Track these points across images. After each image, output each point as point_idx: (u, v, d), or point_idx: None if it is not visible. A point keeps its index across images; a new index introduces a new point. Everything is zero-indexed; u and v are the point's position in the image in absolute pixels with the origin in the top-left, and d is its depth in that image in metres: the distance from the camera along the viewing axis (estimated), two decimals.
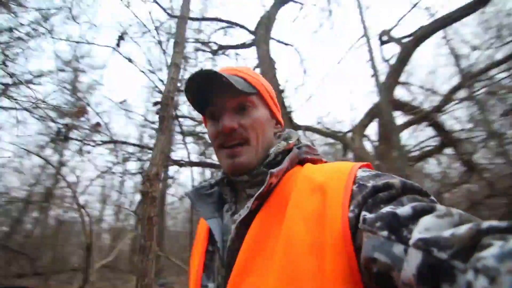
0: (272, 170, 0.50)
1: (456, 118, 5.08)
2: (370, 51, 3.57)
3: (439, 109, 4.60)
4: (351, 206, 0.40)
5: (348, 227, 0.39)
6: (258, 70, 4.07)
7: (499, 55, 4.00)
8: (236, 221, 0.50)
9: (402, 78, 4.11)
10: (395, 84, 3.42)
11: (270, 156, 0.56)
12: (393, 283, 0.33)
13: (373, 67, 3.45)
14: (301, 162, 0.57)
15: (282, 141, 0.59)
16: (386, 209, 0.37)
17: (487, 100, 4.94)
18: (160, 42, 4.62)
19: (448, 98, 4.39)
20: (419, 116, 4.40)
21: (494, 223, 0.28)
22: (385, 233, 0.34)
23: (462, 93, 4.57)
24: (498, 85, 4.54)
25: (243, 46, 5.76)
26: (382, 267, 0.33)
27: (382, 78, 3.87)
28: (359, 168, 0.47)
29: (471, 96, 4.64)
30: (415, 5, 4.35)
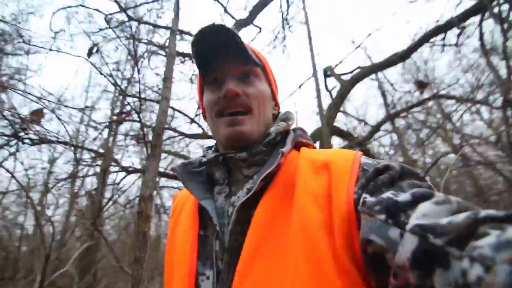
0: (283, 150, 0.49)
1: (382, 145, 6.02)
2: (316, 81, 4.04)
3: (369, 137, 5.33)
4: (356, 188, 0.41)
5: (353, 209, 0.39)
6: None
7: (415, 99, 4.89)
8: (236, 203, 0.49)
9: (341, 108, 4.72)
10: (335, 115, 3.93)
11: (270, 135, 0.54)
12: (386, 265, 0.33)
13: (318, 96, 3.92)
14: (296, 145, 0.56)
15: (281, 122, 0.57)
16: (387, 194, 0.37)
17: (405, 132, 5.99)
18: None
19: (376, 128, 5.14)
20: (353, 142, 5.03)
21: (492, 212, 0.28)
22: (382, 216, 0.35)
23: (387, 125, 5.44)
24: (414, 120, 5.58)
25: None
26: (377, 249, 0.34)
27: (326, 104, 4.45)
28: (362, 155, 0.48)
29: (394, 128, 5.61)
30: (357, 47, 5.04)
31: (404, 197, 0.35)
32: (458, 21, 3.29)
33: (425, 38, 3.72)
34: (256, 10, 5.18)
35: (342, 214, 0.39)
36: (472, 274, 0.25)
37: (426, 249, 0.29)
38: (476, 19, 3.59)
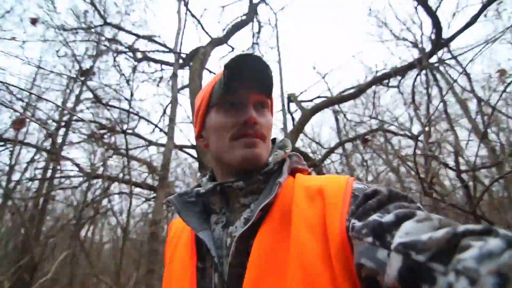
0: (280, 180, 0.50)
1: (334, 167, 6.78)
2: (283, 105, 4.51)
3: (323, 159, 5.97)
4: (348, 215, 0.42)
5: (346, 236, 0.40)
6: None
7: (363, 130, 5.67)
8: (233, 233, 0.49)
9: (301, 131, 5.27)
10: (295, 140, 4.43)
11: (269, 165, 0.55)
12: (380, 287, 0.33)
13: (284, 119, 4.39)
14: (292, 171, 0.57)
15: (278, 150, 0.59)
16: (373, 217, 0.38)
17: (352, 153, 6.84)
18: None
19: (329, 152, 5.79)
20: (310, 163, 5.63)
21: (470, 226, 0.29)
22: (370, 239, 0.35)
23: (339, 150, 6.17)
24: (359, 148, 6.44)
25: (168, 64, 5.94)
26: (369, 272, 0.34)
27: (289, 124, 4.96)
28: (354, 180, 0.49)
29: (343, 152, 6.39)
30: (317, 81, 5.69)
31: (388, 218, 0.36)
32: (395, 74, 4.06)
33: (374, 82, 4.47)
34: (231, 32, 5.56)
35: (337, 242, 0.39)
36: None
37: (410, 266, 0.29)
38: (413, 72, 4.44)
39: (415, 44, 5.11)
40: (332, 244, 0.40)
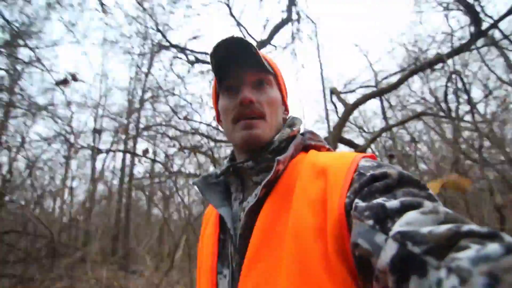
0: (279, 158, 0.52)
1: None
2: (325, 100, 5.06)
3: (368, 145, 6.43)
4: (349, 193, 0.43)
5: (343, 212, 0.41)
6: None
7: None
8: (245, 208, 0.53)
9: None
10: (340, 131, 4.99)
11: (274, 143, 0.57)
12: (371, 269, 0.35)
13: (326, 112, 4.96)
14: (306, 148, 0.60)
15: (286, 128, 0.61)
16: (378, 200, 0.39)
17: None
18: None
19: (374, 138, 6.21)
20: (358, 150, 6.18)
21: (475, 227, 0.29)
22: (370, 222, 0.36)
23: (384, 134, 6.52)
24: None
25: None
26: (363, 253, 0.36)
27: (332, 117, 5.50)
28: (362, 157, 0.49)
29: (391, 137, 6.71)
30: (363, 70, 6.02)
31: (393, 204, 0.37)
32: (429, 65, 4.27)
33: (416, 70, 4.72)
34: (273, 32, 6.12)
35: (335, 217, 0.41)
36: (447, 285, 0.26)
37: (404, 255, 0.31)
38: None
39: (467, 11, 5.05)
40: (329, 219, 0.42)
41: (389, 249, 0.33)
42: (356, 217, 0.39)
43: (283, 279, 0.42)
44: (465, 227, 0.29)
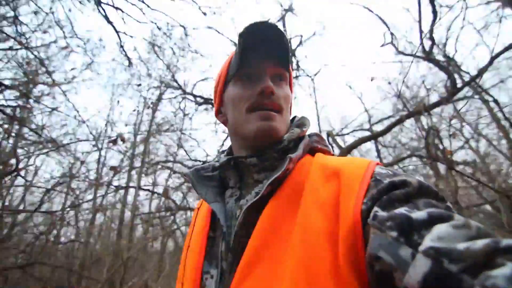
0: (291, 155, 0.51)
1: None
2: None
3: None
4: (365, 199, 0.40)
5: (359, 220, 0.39)
6: None
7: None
8: (243, 206, 0.51)
9: None
10: None
11: (283, 142, 0.55)
12: (393, 284, 0.33)
13: None
14: (311, 151, 0.58)
15: (295, 128, 0.59)
16: (400, 210, 0.36)
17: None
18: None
19: None
20: None
21: None
22: (394, 233, 0.34)
23: None
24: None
25: None
26: (385, 267, 0.34)
27: None
28: (377, 164, 0.48)
29: None
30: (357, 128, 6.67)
31: (419, 215, 0.34)
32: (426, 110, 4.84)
33: (400, 120, 5.30)
34: None
35: (348, 224, 0.39)
36: None
37: (439, 273, 0.29)
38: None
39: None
40: (342, 225, 0.40)
41: (420, 266, 0.30)
42: (376, 226, 0.36)
43: (287, 285, 0.39)
44: (504, 243, 0.28)
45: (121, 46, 4.68)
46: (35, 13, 4.15)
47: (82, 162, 6.62)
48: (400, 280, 0.32)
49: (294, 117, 0.65)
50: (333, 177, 0.47)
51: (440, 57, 4.59)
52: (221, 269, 0.50)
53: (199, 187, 0.58)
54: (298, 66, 7.20)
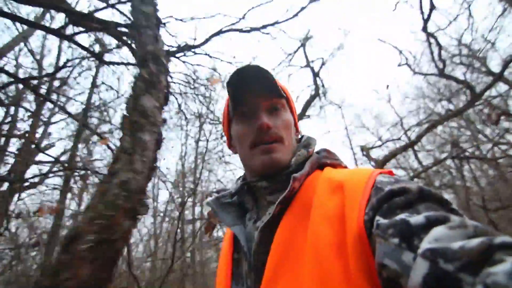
0: (295, 175, 0.54)
1: None
2: (355, 160, 6.27)
3: None
4: (367, 209, 0.42)
5: (364, 230, 0.40)
6: None
7: None
8: (259, 227, 0.54)
9: None
10: None
11: (291, 167, 0.59)
12: None
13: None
14: (321, 166, 0.61)
15: (302, 149, 0.63)
16: (400, 216, 0.38)
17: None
18: None
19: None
20: None
21: (508, 239, 0.28)
22: (396, 240, 0.36)
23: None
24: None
25: None
26: (392, 274, 0.35)
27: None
28: (380, 173, 0.49)
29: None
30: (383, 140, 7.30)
31: (417, 220, 0.36)
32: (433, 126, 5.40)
33: (428, 129, 5.87)
34: (306, 106, 7.74)
35: (354, 234, 0.41)
36: None
37: (436, 274, 0.29)
38: None
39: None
40: (349, 236, 0.41)
41: (419, 268, 0.31)
42: (379, 235, 0.38)
43: None
44: (498, 240, 0.28)
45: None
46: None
47: None
48: (405, 285, 0.33)
49: (302, 137, 0.69)
50: (338, 190, 0.49)
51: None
52: (247, 287, 0.53)
53: (221, 213, 0.62)
54: (324, 90, 8.06)
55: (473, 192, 7.17)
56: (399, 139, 7.27)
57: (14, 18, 2.05)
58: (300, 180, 0.55)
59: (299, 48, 7.84)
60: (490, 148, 7.50)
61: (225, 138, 0.73)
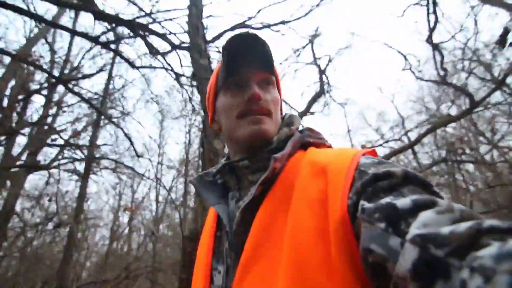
0: (276, 155, 0.53)
1: None
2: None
3: None
4: (350, 193, 0.42)
5: (347, 215, 0.40)
6: None
7: None
8: (240, 207, 0.54)
9: None
10: None
11: (273, 144, 0.58)
12: (387, 275, 0.34)
13: None
14: (304, 146, 0.60)
15: (284, 128, 0.62)
16: (386, 199, 0.38)
17: None
18: None
19: None
20: None
21: (495, 223, 0.29)
22: (382, 225, 0.35)
23: None
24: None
25: None
26: (378, 259, 0.35)
27: None
28: (363, 155, 0.49)
29: None
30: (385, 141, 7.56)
31: (404, 203, 0.36)
32: (432, 130, 5.65)
33: (426, 133, 6.14)
34: (311, 103, 7.99)
35: (337, 219, 0.41)
36: (471, 285, 0.25)
37: (427, 260, 0.30)
38: None
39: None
40: (331, 221, 0.41)
41: (409, 254, 0.31)
42: (365, 220, 0.38)
43: (281, 282, 0.41)
44: (486, 223, 0.29)
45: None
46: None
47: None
48: (393, 269, 0.33)
49: (284, 115, 0.68)
50: (321, 174, 0.49)
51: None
52: (227, 265, 0.54)
53: (204, 192, 0.63)
54: (329, 86, 8.28)
55: (470, 194, 7.51)
56: (399, 139, 7.55)
57: (54, 25, 2.34)
58: (282, 161, 0.55)
59: (307, 44, 8.03)
60: (488, 150, 7.80)
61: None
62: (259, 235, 0.48)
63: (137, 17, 2.82)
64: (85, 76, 4.01)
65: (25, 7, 3.44)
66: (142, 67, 3.39)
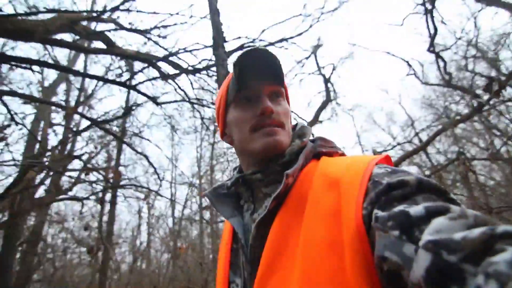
0: (288, 172, 0.54)
1: None
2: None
3: None
4: (365, 203, 0.42)
5: (362, 225, 0.41)
6: None
7: None
8: (255, 220, 0.55)
9: None
10: None
11: (285, 157, 0.59)
12: (402, 283, 0.34)
13: None
14: (317, 155, 0.61)
15: (296, 140, 0.63)
16: (399, 208, 0.38)
17: None
18: None
19: None
20: None
21: (510, 228, 0.28)
22: (396, 232, 0.35)
23: None
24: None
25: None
26: (393, 266, 0.35)
27: None
28: (376, 164, 0.49)
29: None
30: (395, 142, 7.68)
31: (417, 210, 0.36)
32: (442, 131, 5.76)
33: (436, 134, 6.24)
34: (318, 112, 8.17)
35: (352, 230, 0.41)
36: None
37: (440, 266, 0.30)
38: None
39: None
40: (345, 232, 0.41)
41: (422, 260, 0.31)
42: (379, 228, 0.38)
43: None
44: (500, 229, 0.29)
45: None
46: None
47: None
48: (408, 277, 0.33)
49: (296, 125, 0.69)
50: (334, 186, 0.49)
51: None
52: (244, 279, 0.55)
53: (218, 205, 0.64)
54: (335, 94, 8.46)
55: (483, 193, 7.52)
56: (410, 141, 7.64)
57: (87, 76, 2.62)
58: (294, 175, 0.55)
59: (310, 55, 8.26)
60: (502, 145, 7.80)
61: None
62: (274, 249, 0.49)
63: (166, 55, 2.99)
64: (115, 118, 4.30)
65: (46, 54, 3.76)
66: (164, 102, 3.61)
